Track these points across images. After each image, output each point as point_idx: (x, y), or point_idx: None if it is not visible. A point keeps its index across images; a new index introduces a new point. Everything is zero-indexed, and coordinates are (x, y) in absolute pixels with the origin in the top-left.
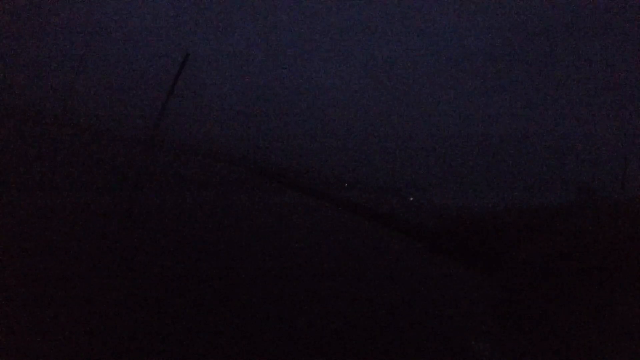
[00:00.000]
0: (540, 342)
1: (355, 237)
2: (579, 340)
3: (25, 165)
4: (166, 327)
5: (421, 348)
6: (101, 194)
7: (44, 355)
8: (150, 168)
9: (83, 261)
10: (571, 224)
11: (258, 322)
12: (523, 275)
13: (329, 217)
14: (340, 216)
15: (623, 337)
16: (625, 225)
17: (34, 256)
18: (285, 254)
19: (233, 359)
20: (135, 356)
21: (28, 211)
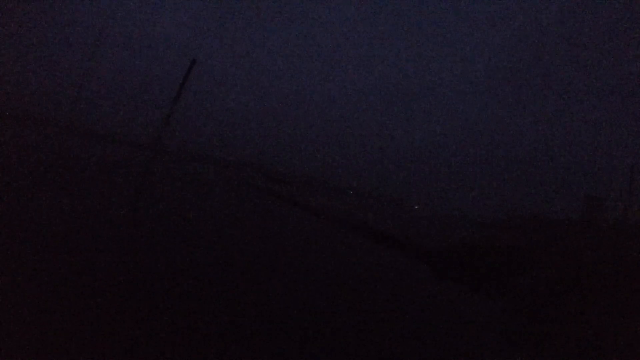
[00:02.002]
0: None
1: (362, 258)
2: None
3: (30, 168)
4: (166, 329)
5: None
6: (106, 197)
7: (44, 356)
8: (156, 172)
9: (86, 264)
10: (579, 240)
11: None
12: (530, 298)
13: (335, 236)
14: (347, 236)
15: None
16: (632, 240)
17: (38, 257)
18: (289, 268)
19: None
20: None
21: (32, 213)
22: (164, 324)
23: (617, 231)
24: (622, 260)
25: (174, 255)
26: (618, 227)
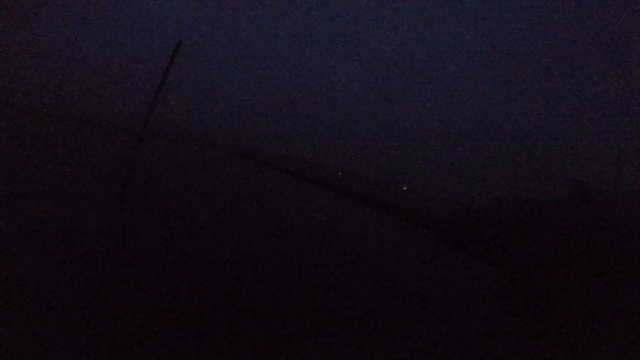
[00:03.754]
0: (547, 335)
1: (363, 227)
2: (582, 331)
3: (15, 158)
4: (166, 329)
5: (438, 347)
6: (93, 184)
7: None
8: (142, 158)
9: (74, 253)
10: (567, 218)
11: (262, 315)
12: (525, 267)
13: (335, 207)
14: (347, 205)
15: (625, 327)
16: (620, 219)
17: (25, 249)
18: (287, 242)
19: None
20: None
21: (19, 205)
22: (162, 324)
23: (604, 212)
24: (613, 230)
25: (168, 247)
26: (604, 209)
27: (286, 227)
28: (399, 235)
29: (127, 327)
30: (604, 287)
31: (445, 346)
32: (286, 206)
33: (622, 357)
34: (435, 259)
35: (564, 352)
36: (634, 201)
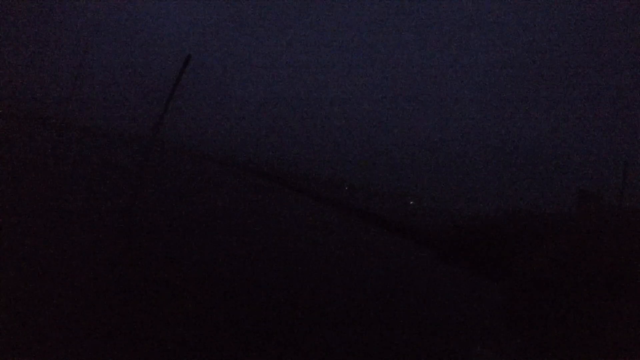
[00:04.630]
0: (544, 347)
1: (364, 241)
2: (582, 345)
3: (26, 165)
4: (166, 329)
5: (426, 350)
6: (102, 194)
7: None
8: (150, 170)
9: (83, 262)
10: (574, 231)
11: (260, 324)
12: (528, 281)
13: (337, 222)
14: (347, 220)
15: (625, 343)
16: (627, 232)
17: (33, 254)
18: (289, 255)
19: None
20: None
21: (28, 212)
22: (161, 323)
23: (612, 224)
24: (621, 243)
25: (174, 257)
26: (612, 220)
27: (286, 246)
28: (400, 250)
29: (127, 324)
30: (609, 303)
31: (435, 352)
32: (287, 220)
33: None
34: (435, 273)
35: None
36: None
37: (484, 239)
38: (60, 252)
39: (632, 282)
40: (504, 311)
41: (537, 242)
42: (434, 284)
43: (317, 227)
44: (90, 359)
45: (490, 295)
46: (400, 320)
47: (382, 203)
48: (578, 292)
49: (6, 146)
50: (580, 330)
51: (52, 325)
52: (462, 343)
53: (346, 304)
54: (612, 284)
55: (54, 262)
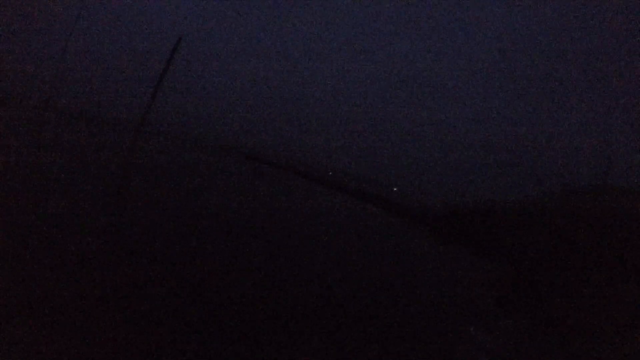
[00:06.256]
0: (538, 329)
1: (358, 222)
2: (574, 325)
3: (13, 153)
4: (164, 325)
5: (420, 332)
6: (91, 180)
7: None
8: (141, 154)
9: (73, 248)
10: (558, 219)
11: (257, 317)
12: (518, 263)
13: (329, 203)
14: (341, 201)
15: (615, 321)
16: (607, 219)
17: (23, 243)
18: (282, 237)
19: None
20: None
21: (16, 200)
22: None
23: (594, 214)
24: (603, 229)
25: (165, 243)
26: (594, 213)
27: (281, 225)
28: (391, 230)
29: (122, 325)
30: (595, 285)
31: (427, 332)
32: (280, 203)
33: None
34: (428, 254)
35: (554, 345)
36: (625, 199)
37: (478, 219)
38: (43, 256)
39: (615, 266)
40: (495, 292)
41: (526, 230)
42: (428, 266)
43: (311, 212)
44: None
45: (484, 276)
46: (395, 303)
47: (368, 187)
48: (567, 274)
49: None
50: (571, 310)
51: (40, 328)
52: (455, 324)
53: (338, 284)
54: (599, 268)
55: (38, 267)
